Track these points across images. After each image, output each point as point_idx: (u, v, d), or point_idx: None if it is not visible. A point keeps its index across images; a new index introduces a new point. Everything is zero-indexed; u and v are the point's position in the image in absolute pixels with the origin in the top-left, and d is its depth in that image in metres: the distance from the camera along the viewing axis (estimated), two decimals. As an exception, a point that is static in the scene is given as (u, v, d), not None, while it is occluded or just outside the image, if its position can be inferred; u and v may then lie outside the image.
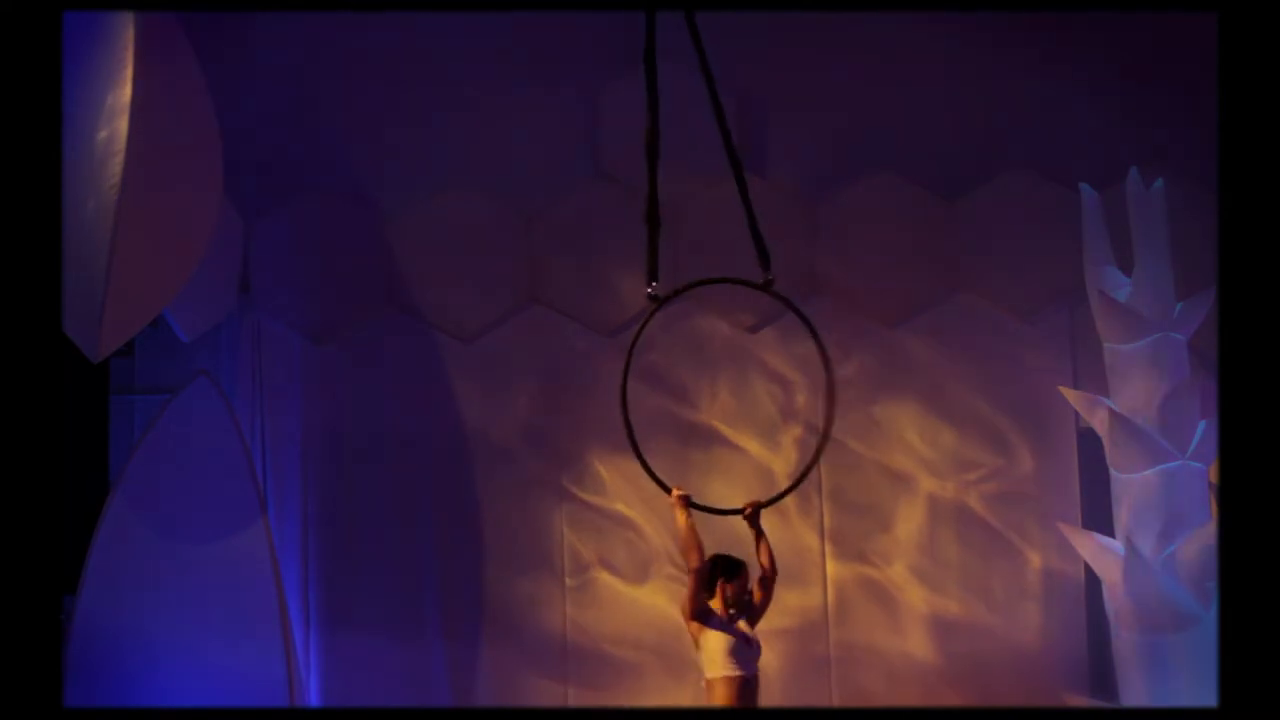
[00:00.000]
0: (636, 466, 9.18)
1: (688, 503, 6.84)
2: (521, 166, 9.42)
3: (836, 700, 9.15)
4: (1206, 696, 7.86)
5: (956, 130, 9.48)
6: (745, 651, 6.67)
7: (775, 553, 6.93)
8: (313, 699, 9.01)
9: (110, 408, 9.38)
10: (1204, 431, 8.47)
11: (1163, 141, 9.24)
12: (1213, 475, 8.51)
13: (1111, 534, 8.72)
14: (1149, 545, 8.42)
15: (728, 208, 9.05)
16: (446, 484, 9.34)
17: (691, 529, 6.76)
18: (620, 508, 9.38)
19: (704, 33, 7.27)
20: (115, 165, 7.40)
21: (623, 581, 9.32)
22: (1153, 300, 8.63)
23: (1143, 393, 8.58)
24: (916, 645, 9.24)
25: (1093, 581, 8.96)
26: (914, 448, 9.41)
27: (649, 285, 7.14)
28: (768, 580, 6.87)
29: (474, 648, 9.20)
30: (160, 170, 7.60)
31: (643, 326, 7.10)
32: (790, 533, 9.19)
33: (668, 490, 6.91)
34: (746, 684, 6.63)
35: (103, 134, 7.46)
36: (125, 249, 7.39)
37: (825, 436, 7.27)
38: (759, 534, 6.91)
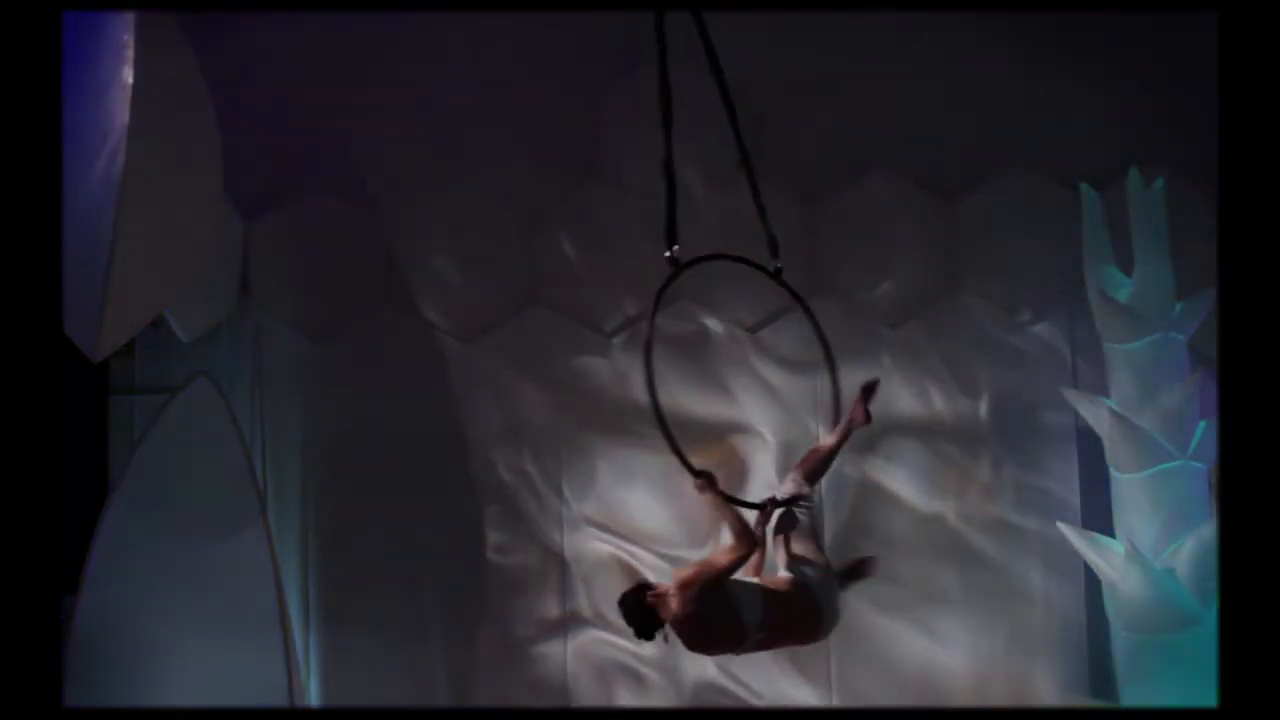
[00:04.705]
0: (638, 466, 9.32)
1: (715, 485, 6.15)
2: (521, 166, 9.40)
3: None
4: (1206, 696, 7.87)
5: (956, 130, 9.47)
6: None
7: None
8: (313, 699, 9.00)
9: (110, 408, 9.37)
10: (1204, 431, 8.47)
11: (1163, 141, 9.22)
12: (1213, 475, 8.51)
13: (1111, 534, 8.72)
14: (1149, 545, 8.42)
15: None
16: (447, 484, 9.34)
17: (735, 510, 6.11)
18: (620, 509, 9.38)
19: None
20: (115, 165, 7.39)
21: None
22: (1153, 300, 8.62)
23: (1143, 393, 8.58)
24: (914, 645, 9.24)
25: (1093, 581, 8.95)
26: (913, 448, 9.40)
27: (669, 249, 6.50)
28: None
29: (474, 648, 9.20)
30: (160, 169, 7.59)
31: (663, 290, 6.39)
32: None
33: (695, 473, 6.16)
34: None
35: (102, 133, 7.45)
36: (125, 249, 7.39)
37: (839, 421, 6.94)
38: (776, 533, 6.34)
